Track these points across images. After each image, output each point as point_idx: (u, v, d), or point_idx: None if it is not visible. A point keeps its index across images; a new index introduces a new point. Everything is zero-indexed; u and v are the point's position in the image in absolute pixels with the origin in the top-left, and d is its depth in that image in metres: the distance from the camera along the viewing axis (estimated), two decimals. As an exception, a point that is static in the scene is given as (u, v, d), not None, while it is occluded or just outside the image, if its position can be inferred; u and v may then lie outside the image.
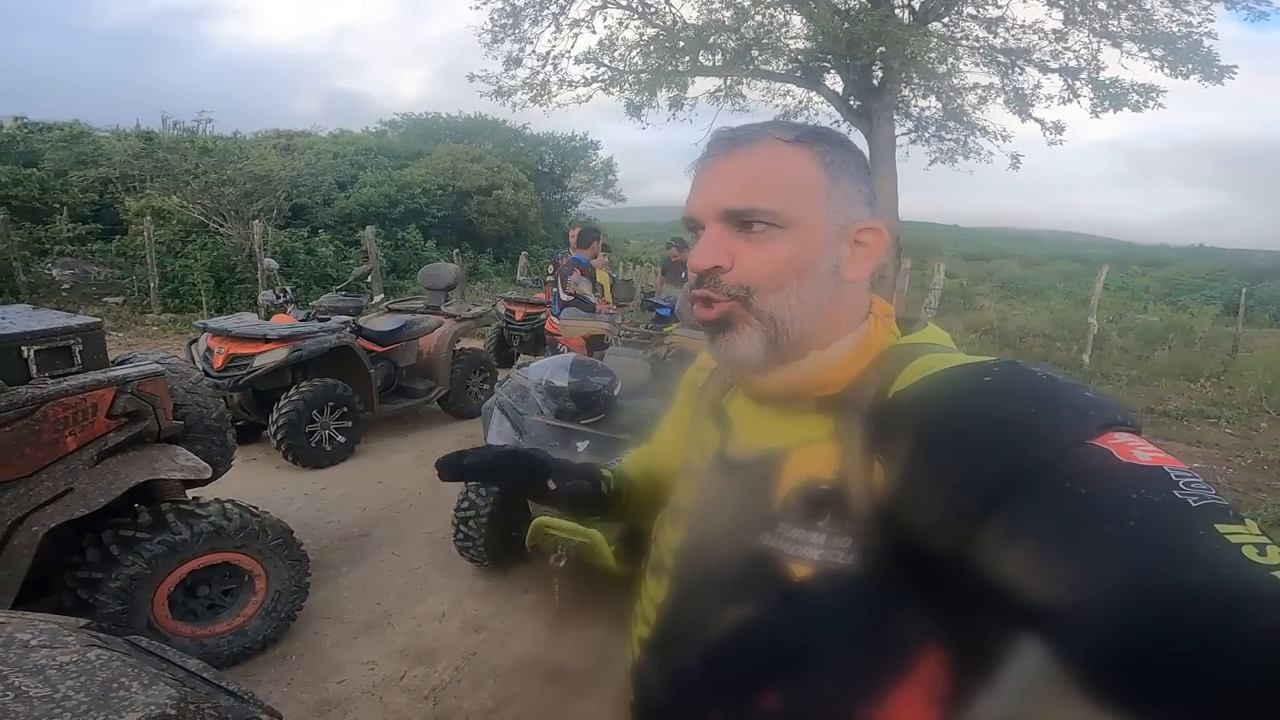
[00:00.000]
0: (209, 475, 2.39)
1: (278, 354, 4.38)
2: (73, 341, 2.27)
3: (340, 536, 3.52)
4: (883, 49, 9.00)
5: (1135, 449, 0.47)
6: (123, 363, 2.50)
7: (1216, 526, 0.41)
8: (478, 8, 10.40)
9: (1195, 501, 0.42)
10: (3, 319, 2.31)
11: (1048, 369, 0.57)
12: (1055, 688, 0.40)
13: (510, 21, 10.33)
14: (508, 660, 2.61)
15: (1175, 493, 0.43)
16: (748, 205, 0.64)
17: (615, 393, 2.96)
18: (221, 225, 11.20)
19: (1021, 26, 9.99)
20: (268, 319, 5.11)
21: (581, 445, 2.74)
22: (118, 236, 11.33)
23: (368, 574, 3.17)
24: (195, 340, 4.69)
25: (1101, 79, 9.80)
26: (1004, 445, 0.50)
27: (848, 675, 0.59)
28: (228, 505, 2.41)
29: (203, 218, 11.27)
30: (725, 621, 0.67)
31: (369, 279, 9.48)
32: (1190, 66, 9.36)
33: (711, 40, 9.75)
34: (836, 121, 11.45)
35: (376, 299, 7.48)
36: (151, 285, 9.81)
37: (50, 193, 11.63)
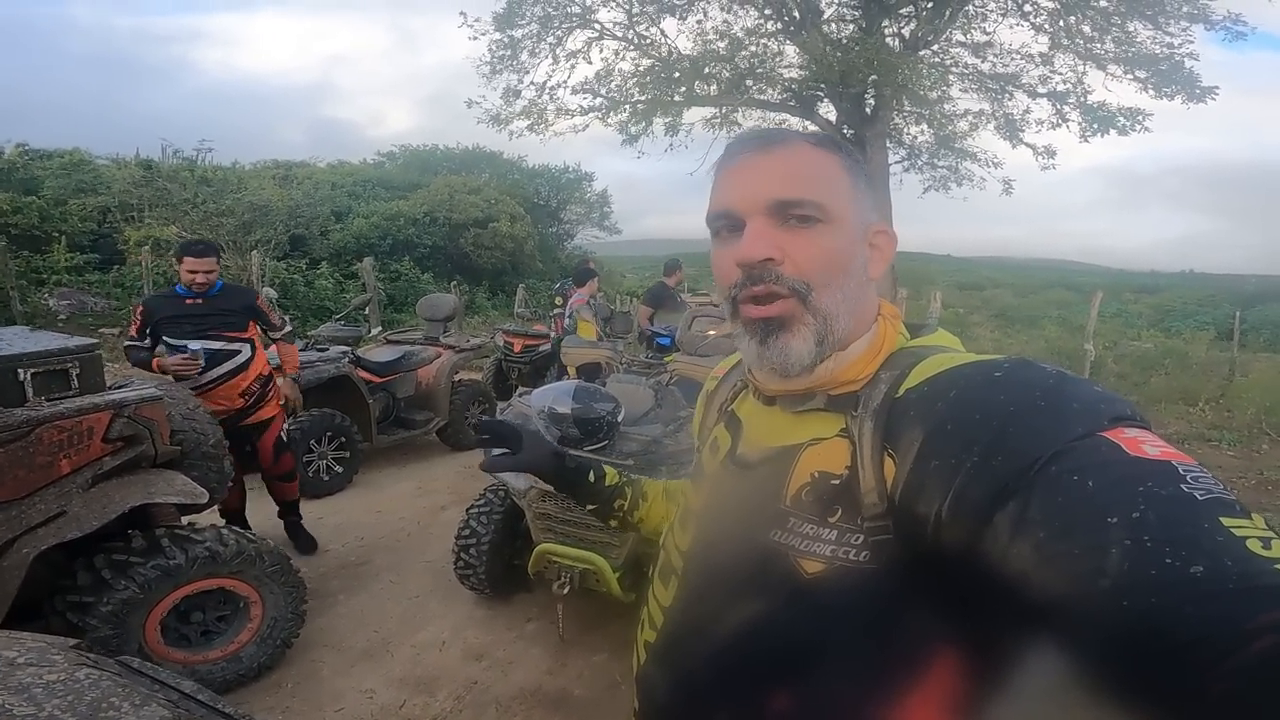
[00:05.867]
0: (205, 500, 2.35)
1: (275, 382, 4.33)
2: (70, 364, 2.24)
3: (339, 565, 3.45)
4: (875, 77, 9.17)
5: (1144, 443, 0.47)
6: (121, 388, 2.47)
7: (1222, 520, 0.41)
8: (475, 39, 10.59)
9: (1202, 495, 0.43)
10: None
11: (1057, 366, 0.58)
12: (1069, 690, 0.41)
13: (508, 53, 10.50)
14: (510, 689, 2.53)
15: (1182, 486, 0.43)
16: (800, 196, 0.64)
17: (619, 419, 2.92)
18: (220, 257, 11.18)
19: (1009, 52, 10.22)
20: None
21: None
22: (116, 267, 11.31)
23: (366, 602, 3.10)
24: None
25: (1089, 103, 9.98)
26: (1014, 437, 0.50)
27: (860, 675, 0.59)
28: (224, 530, 2.37)
29: (202, 249, 11.24)
30: (734, 621, 0.66)
31: (367, 310, 9.48)
32: (1173, 88, 9.57)
33: (706, 70, 9.92)
34: (830, 150, 11.59)
35: (375, 330, 7.46)
36: (149, 316, 9.77)
37: (50, 221, 11.60)
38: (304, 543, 3.64)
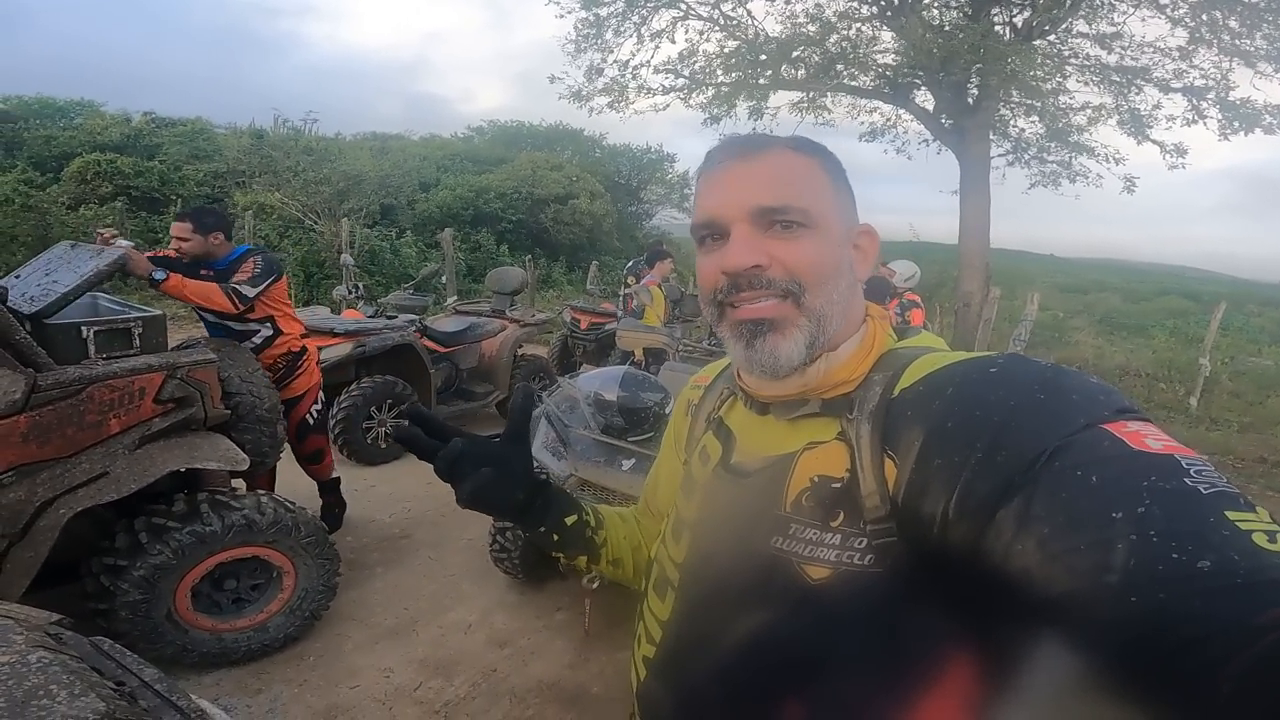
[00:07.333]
0: (246, 466, 2.39)
1: (342, 349, 4.44)
2: (133, 324, 2.31)
3: (381, 536, 3.52)
4: (980, 65, 8.55)
5: (1146, 437, 0.47)
6: (185, 349, 2.54)
7: (1227, 513, 0.41)
8: (562, 16, 10.54)
9: (1206, 489, 0.42)
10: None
11: (1050, 361, 0.57)
12: (1080, 688, 0.41)
13: (593, 31, 10.39)
14: (528, 680, 2.51)
15: (1186, 480, 0.43)
16: (783, 202, 0.64)
17: (667, 410, 2.83)
18: (316, 222, 11.76)
19: (1140, 45, 9.29)
20: (340, 314, 5.24)
21: (627, 463, 2.63)
22: (224, 230, 12.05)
23: (402, 576, 3.14)
24: (268, 331, 4.85)
25: (1231, 99, 9.01)
26: (1016, 432, 0.50)
27: (872, 680, 0.58)
28: (263, 499, 2.41)
29: (300, 214, 11.88)
30: (738, 632, 0.65)
31: (442, 279, 9.69)
32: (1332, 88, 8.57)
33: (795, 54, 9.50)
34: (926, 140, 10.96)
35: (450, 300, 7.60)
36: (248, 277, 10.36)
37: (168, 185, 12.54)
38: (331, 520, 3.47)
